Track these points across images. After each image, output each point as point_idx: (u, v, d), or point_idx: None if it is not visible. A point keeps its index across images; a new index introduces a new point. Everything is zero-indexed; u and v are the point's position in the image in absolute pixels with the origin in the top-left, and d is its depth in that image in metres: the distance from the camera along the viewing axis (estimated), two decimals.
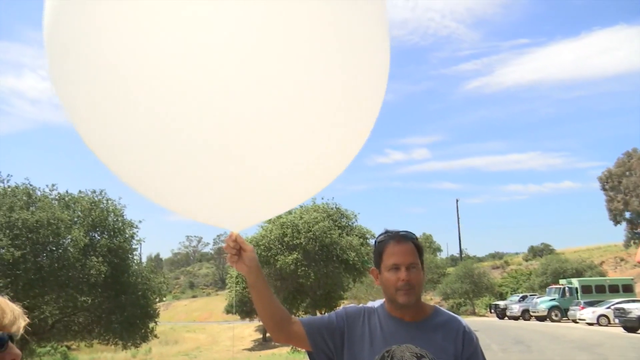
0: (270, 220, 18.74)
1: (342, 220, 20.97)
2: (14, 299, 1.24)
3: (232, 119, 1.61)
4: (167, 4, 1.47)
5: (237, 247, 1.90)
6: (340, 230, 19.78)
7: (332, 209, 20.90)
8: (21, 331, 1.16)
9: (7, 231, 21.75)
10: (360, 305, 2.10)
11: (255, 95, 1.59)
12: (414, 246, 1.94)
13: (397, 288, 1.89)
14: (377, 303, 2.08)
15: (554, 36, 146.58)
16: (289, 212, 20.35)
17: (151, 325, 26.30)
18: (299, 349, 18.97)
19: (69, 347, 26.43)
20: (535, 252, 57.50)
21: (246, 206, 1.91)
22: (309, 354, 2.03)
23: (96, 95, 1.63)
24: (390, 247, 1.93)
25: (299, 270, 18.25)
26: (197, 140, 1.64)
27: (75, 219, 24.54)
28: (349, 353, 1.96)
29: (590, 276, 37.99)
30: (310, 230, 18.74)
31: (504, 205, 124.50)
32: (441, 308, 2.06)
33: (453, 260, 60.71)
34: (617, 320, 23.22)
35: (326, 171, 2.00)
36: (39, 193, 24.58)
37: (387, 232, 2.01)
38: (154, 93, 1.57)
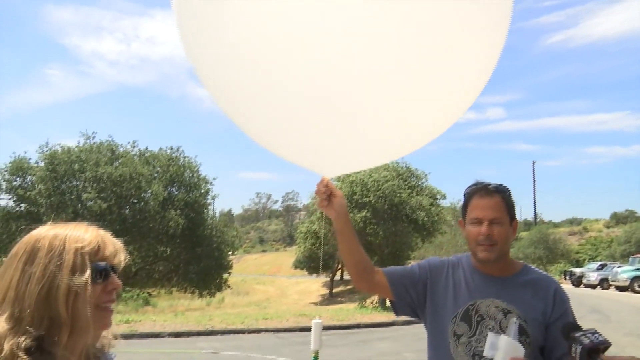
0: (339, 178, 18.78)
1: (412, 179, 20.54)
2: None
3: (337, 67, 1.60)
4: None
5: (327, 192, 1.91)
6: (409, 190, 19.43)
7: (402, 168, 20.53)
8: (122, 264, 1.20)
9: (95, 184, 23.42)
10: (444, 257, 2.06)
11: (362, 45, 1.56)
12: (502, 200, 1.85)
13: (477, 242, 1.84)
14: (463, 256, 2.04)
15: None
16: (358, 171, 20.23)
17: (225, 276, 27.81)
18: (366, 304, 19.29)
19: (150, 294, 28.48)
20: (619, 219, 53.98)
21: (342, 154, 1.92)
22: (392, 303, 2.04)
23: (220, 50, 1.71)
24: (475, 200, 1.87)
25: (368, 228, 18.24)
26: (303, 87, 1.66)
27: (155, 174, 25.98)
28: (431, 305, 1.95)
29: None
30: (380, 189, 18.55)
31: (584, 169, 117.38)
32: (532, 266, 1.99)
33: (526, 225, 58.42)
34: None
35: (424, 129, 1.93)
36: (121, 149, 26.15)
37: (476, 183, 1.95)
38: (268, 43, 1.60)
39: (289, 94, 1.69)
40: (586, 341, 1.37)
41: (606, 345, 1.35)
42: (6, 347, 1.00)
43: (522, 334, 1.76)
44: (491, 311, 1.82)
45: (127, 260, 1.22)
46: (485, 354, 1.67)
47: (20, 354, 0.99)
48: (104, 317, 1.15)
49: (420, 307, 1.98)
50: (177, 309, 24.70)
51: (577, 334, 1.42)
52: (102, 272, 1.13)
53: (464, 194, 1.97)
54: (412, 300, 1.98)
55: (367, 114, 1.73)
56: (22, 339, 1.01)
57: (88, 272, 1.10)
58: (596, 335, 1.39)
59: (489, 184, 1.90)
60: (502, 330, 1.77)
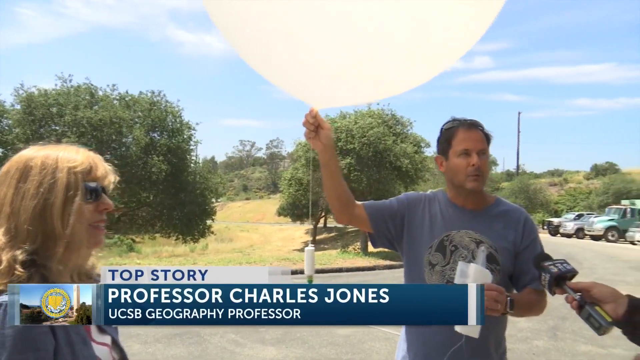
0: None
1: (397, 127, 20.44)
2: None
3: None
4: None
5: (315, 124, 1.90)
6: (394, 137, 19.38)
7: (387, 115, 20.37)
8: (111, 187, 1.25)
9: (74, 129, 22.86)
10: (421, 192, 2.15)
11: None
12: (484, 134, 1.96)
13: (466, 174, 1.91)
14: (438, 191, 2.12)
15: None
16: (343, 117, 20.04)
17: (208, 222, 27.91)
18: (348, 250, 19.61)
19: (133, 240, 28.53)
20: (599, 171, 54.90)
21: (334, 86, 1.88)
22: (370, 235, 2.11)
23: None
24: (461, 133, 1.94)
25: (352, 175, 18.25)
26: (298, 14, 1.62)
27: (136, 119, 25.41)
28: (408, 237, 2.03)
29: None
30: (365, 136, 18.44)
31: (569, 121, 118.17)
32: (504, 199, 2.10)
33: (508, 176, 59.26)
34: None
35: (419, 69, 1.85)
36: (100, 93, 25.41)
37: (455, 119, 2.02)
38: None
39: (287, 20, 1.64)
40: (554, 270, 1.46)
41: (573, 273, 1.46)
42: (4, 259, 1.05)
43: (493, 262, 1.88)
44: (464, 241, 1.92)
45: (116, 182, 1.27)
46: (455, 281, 1.74)
47: (17, 266, 1.04)
48: (97, 235, 1.21)
49: (398, 239, 2.06)
50: (161, 255, 24.87)
51: (547, 263, 1.51)
52: (93, 192, 1.18)
53: (445, 130, 2.02)
54: (389, 232, 2.05)
55: (364, 48, 1.68)
56: (18, 252, 1.06)
57: (81, 191, 1.15)
58: (564, 264, 1.49)
59: (468, 120, 1.99)
60: (474, 258, 1.85)
